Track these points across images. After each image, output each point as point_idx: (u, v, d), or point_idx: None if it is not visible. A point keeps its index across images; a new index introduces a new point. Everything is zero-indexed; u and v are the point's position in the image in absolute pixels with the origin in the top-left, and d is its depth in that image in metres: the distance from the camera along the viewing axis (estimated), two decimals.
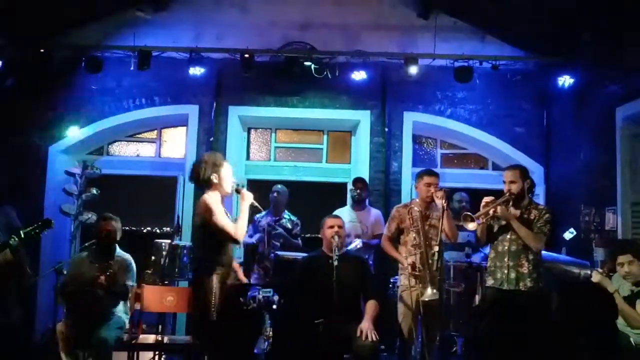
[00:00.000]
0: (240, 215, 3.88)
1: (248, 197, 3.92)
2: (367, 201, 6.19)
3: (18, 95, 6.74)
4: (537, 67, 6.83)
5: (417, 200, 4.59)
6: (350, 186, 6.41)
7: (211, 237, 3.81)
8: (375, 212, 6.05)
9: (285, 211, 5.91)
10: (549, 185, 6.75)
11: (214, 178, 3.85)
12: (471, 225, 4.08)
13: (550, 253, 5.22)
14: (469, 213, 4.10)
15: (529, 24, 6.40)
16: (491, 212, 4.11)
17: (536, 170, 6.73)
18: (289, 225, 5.88)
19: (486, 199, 4.16)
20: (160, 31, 6.90)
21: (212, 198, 3.81)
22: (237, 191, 3.97)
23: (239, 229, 3.80)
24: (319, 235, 4.92)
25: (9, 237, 4.52)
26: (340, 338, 4.04)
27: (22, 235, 4.43)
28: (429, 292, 4.15)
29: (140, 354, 4.75)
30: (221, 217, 3.76)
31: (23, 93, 6.76)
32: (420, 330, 4.58)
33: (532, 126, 6.91)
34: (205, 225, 3.80)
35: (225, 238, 3.79)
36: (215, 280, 3.73)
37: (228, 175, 3.93)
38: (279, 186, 6.10)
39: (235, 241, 3.82)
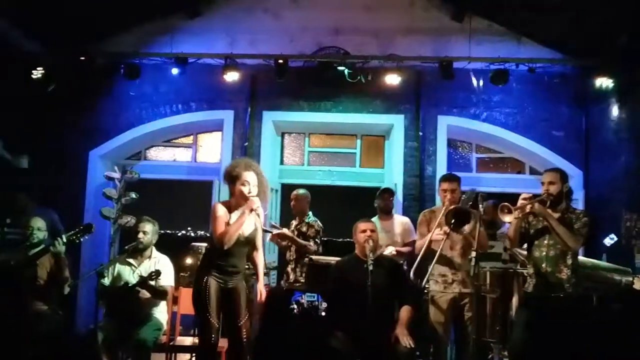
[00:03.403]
0: (235, 221, 3.87)
1: (251, 204, 3.87)
2: (393, 210, 6.13)
3: (59, 101, 6.93)
4: (575, 70, 6.71)
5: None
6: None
7: (213, 242, 3.92)
8: (401, 221, 5.91)
9: (309, 214, 5.78)
10: (588, 190, 6.62)
11: (231, 189, 3.97)
12: (507, 218, 4.01)
13: (591, 259, 5.11)
14: (506, 204, 4.03)
15: (566, 26, 6.29)
16: (528, 207, 4.02)
17: (575, 175, 6.61)
18: (304, 228, 5.77)
19: (524, 195, 4.09)
20: (195, 38, 7.04)
21: (219, 206, 3.91)
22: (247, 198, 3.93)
23: (226, 233, 3.80)
24: (348, 239, 4.92)
25: (52, 241, 4.67)
26: (375, 342, 4.02)
27: (64, 240, 4.56)
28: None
29: (178, 355, 4.83)
30: (216, 223, 3.83)
31: (64, 99, 6.95)
32: (453, 336, 4.55)
33: (570, 130, 6.78)
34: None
35: (215, 242, 3.83)
36: (210, 282, 3.84)
37: (244, 187, 3.89)
38: (299, 191, 5.90)
39: (220, 243, 3.79)
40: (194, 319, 4.84)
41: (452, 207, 4.24)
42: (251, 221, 3.99)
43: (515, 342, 4.12)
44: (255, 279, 4.22)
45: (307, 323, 4.90)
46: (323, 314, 5.00)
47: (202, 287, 3.85)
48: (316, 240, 5.51)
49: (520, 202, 4.04)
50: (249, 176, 3.93)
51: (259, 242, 4.17)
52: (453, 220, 4.16)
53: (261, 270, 4.19)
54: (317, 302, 5.01)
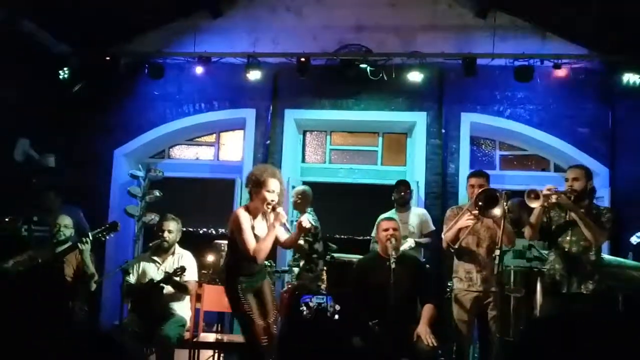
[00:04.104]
0: (265, 236, 3.89)
1: (281, 218, 3.88)
2: (411, 202, 6.13)
3: (85, 100, 7.03)
4: (601, 66, 6.59)
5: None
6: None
7: (237, 248, 3.91)
8: (418, 212, 5.97)
9: (308, 211, 5.65)
10: (614, 188, 6.49)
11: (254, 193, 3.94)
12: (534, 203, 3.96)
13: (617, 258, 5.03)
14: (534, 188, 3.98)
15: (592, 21, 6.18)
16: (554, 197, 3.97)
17: (601, 172, 6.50)
18: None
19: (548, 186, 4.04)
20: (218, 37, 7.09)
21: (243, 214, 3.89)
22: (274, 208, 3.91)
23: (261, 249, 3.82)
24: (369, 237, 4.90)
25: (78, 238, 4.75)
26: (397, 341, 4.02)
27: (91, 238, 4.65)
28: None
29: (201, 352, 4.88)
30: (246, 235, 3.82)
31: (90, 99, 7.05)
32: (477, 334, 4.51)
33: (596, 126, 6.66)
34: (232, 237, 3.93)
35: (248, 256, 3.84)
36: (243, 287, 3.87)
37: (269, 195, 3.89)
38: (297, 188, 5.96)
39: (254, 259, 3.83)
40: (240, 320, 4.94)
41: (481, 189, 4.17)
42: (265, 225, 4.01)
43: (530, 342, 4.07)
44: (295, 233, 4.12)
45: (317, 325, 4.89)
46: (336, 317, 4.97)
47: (238, 294, 3.87)
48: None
49: (545, 191, 3.98)
50: (275, 184, 3.93)
51: (284, 236, 4.14)
52: (481, 203, 4.05)
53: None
54: (325, 304, 5.00)
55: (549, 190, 3.98)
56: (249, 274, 3.93)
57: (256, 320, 3.85)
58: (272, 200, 3.87)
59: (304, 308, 5.11)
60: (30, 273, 4.64)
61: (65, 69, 6.65)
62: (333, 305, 4.90)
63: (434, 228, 5.81)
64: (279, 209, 3.88)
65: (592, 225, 3.95)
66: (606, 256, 4.96)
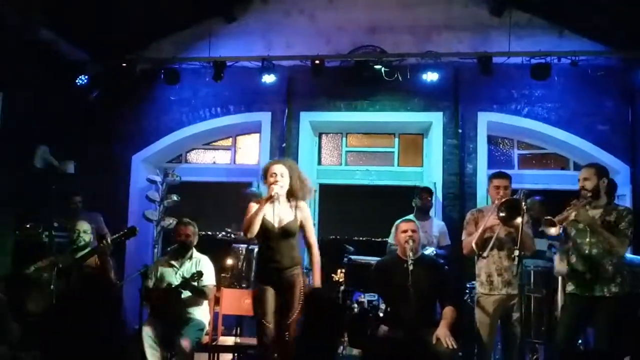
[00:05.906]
0: (254, 210, 3.98)
1: (270, 191, 4.00)
2: (431, 210, 6.09)
3: (102, 107, 7.12)
4: (620, 62, 6.48)
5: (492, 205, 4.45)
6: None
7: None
8: (438, 224, 5.95)
9: None
10: (635, 185, 6.38)
11: (266, 184, 4.10)
12: (553, 230, 3.90)
13: None
14: (549, 217, 3.93)
15: (610, 17, 6.09)
16: (573, 215, 3.92)
17: (622, 170, 6.40)
18: None
19: (566, 213, 4.00)
20: (232, 42, 7.12)
21: (252, 203, 4.07)
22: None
23: (245, 222, 3.97)
24: (386, 240, 4.87)
25: (98, 243, 4.80)
26: (416, 344, 3.99)
27: (110, 243, 4.69)
28: None
29: (220, 355, 4.90)
30: (246, 215, 3.99)
31: (107, 105, 7.14)
32: (499, 337, 4.46)
33: (616, 123, 6.55)
34: None
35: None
36: (263, 287, 4.01)
37: (270, 179, 4.04)
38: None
39: (244, 233, 4.01)
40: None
41: (503, 199, 4.12)
42: (288, 211, 4.03)
43: (559, 342, 4.03)
44: (312, 279, 4.13)
45: (365, 322, 4.86)
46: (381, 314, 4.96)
47: (257, 293, 4.01)
48: None
49: (559, 217, 3.93)
50: (276, 168, 4.05)
51: (310, 238, 4.13)
52: (503, 214, 4.01)
53: (317, 269, 4.09)
54: (377, 302, 4.98)
55: (565, 213, 3.93)
56: (266, 270, 4.00)
57: (261, 318, 3.94)
58: (274, 182, 3.98)
59: (355, 305, 5.13)
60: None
61: (82, 76, 6.72)
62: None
63: (449, 242, 5.77)
64: (273, 185, 3.99)
65: (612, 238, 3.88)
66: (630, 256, 4.88)
